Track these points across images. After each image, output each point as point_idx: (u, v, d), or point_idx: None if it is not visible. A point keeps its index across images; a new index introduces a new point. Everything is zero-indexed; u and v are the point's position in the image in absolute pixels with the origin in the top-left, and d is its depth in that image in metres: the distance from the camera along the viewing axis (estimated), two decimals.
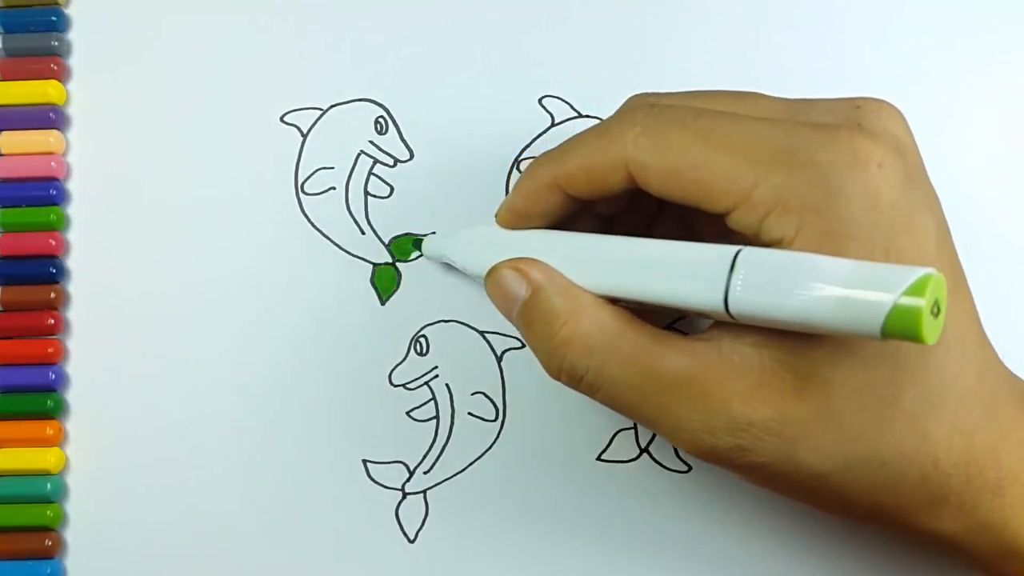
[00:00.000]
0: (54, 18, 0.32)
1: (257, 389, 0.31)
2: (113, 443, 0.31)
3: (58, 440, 0.31)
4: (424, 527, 0.30)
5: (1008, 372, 0.25)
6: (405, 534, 0.30)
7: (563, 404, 0.30)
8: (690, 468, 0.30)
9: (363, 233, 0.31)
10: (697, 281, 0.22)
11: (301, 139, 0.32)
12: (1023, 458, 0.23)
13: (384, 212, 0.31)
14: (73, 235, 0.32)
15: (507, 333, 0.31)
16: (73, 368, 0.31)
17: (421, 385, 0.31)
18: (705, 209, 0.23)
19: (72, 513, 0.31)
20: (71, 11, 0.33)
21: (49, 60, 0.32)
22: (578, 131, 0.25)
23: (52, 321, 0.31)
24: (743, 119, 0.23)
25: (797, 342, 0.22)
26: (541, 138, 0.31)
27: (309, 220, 0.31)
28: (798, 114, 0.24)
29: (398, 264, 0.31)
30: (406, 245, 0.31)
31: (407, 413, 0.31)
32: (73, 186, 0.32)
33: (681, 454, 0.30)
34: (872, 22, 0.31)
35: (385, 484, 0.31)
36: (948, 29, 0.31)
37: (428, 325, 0.31)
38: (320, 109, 0.32)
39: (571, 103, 0.31)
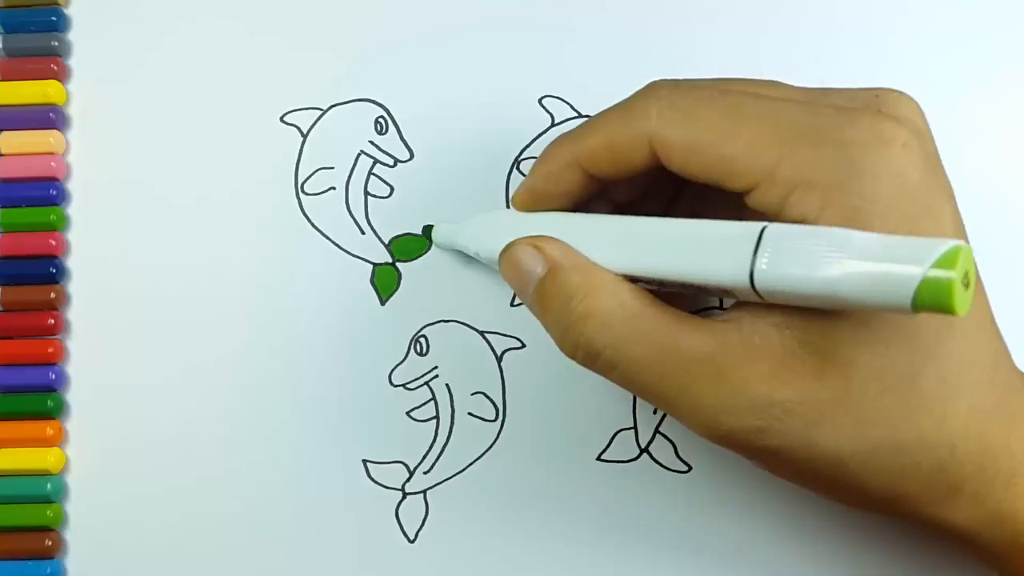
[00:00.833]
0: (54, 18, 0.32)
1: (257, 389, 0.31)
2: (113, 443, 0.31)
3: (58, 440, 0.31)
4: (424, 527, 0.30)
5: (1015, 365, 0.25)
6: (405, 534, 0.30)
7: (563, 404, 0.31)
8: (690, 468, 0.30)
9: (363, 233, 0.31)
10: (721, 256, 0.22)
11: (301, 139, 0.32)
12: None
13: (384, 212, 0.31)
14: (73, 235, 0.32)
15: (507, 333, 0.31)
16: (73, 368, 0.31)
17: (421, 385, 0.31)
18: (727, 187, 0.23)
19: (72, 513, 0.31)
20: (71, 11, 0.33)
21: (49, 60, 0.32)
22: None
23: (52, 321, 0.31)
24: (768, 99, 0.23)
25: (819, 323, 0.22)
26: (541, 138, 0.31)
27: (309, 220, 0.31)
28: (820, 98, 0.24)
29: (398, 264, 0.31)
30: (407, 245, 0.31)
31: (407, 413, 0.31)
32: (73, 186, 0.32)
33: (681, 454, 0.30)
34: (881, 18, 0.31)
35: (385, 484, 0.31)
36: (958, 26, 0.31)
37: (428, 325, 0.31)
38: (320, 109, 0.32)
39: (571, 103, 0.31)
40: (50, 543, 0.30)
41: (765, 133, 0.22)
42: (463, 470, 0.31)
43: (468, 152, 0.31)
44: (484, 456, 0.31)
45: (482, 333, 0.31)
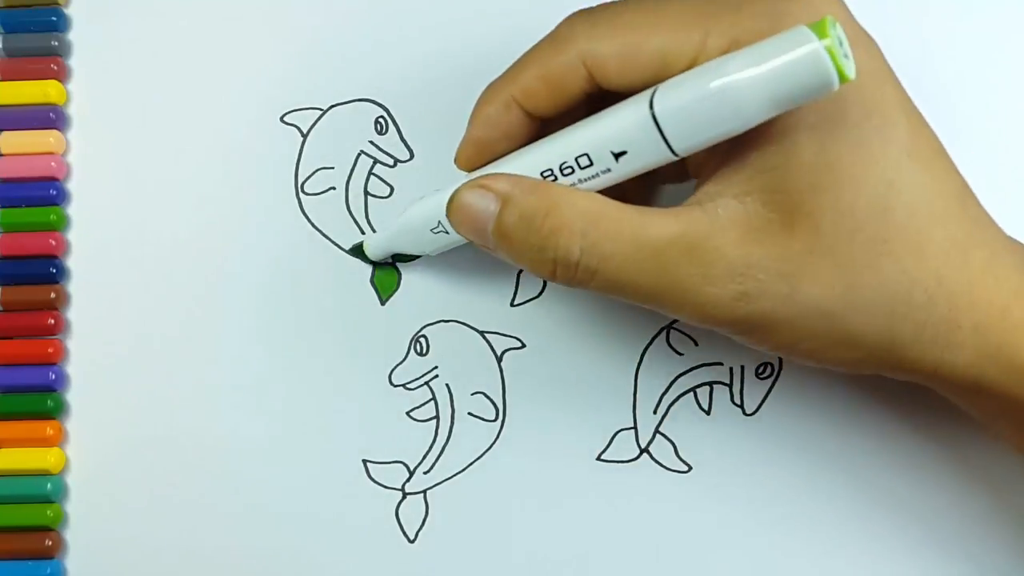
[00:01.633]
0: (54, 18, 0.32)
1: (257, 389, 0.31)
2: (113, 443, 0.31)
3: (58, 440, 0.31)
4: (424, 527, 0.30)
5: (981, 204, 0.25)
6: (405, 534, 0.30)
7: (563, 404, 0.31)
8: (690, 468, 0.30)
9: (363, 233, 0.31)
10: (623, 109, 0.23)
11: (301, 139, 0.32)
12: (1021, 275, 0.24)
13: (384, 212, 0.31)
14: (73, 235, 0.32)
15: (507, 333, 0.31)
16: (73, 368, 0.31)
17: (421, 385, 0.31)
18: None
19: (72, 513, 0.31)
20: (71, 11, 0.33)
21: (49, 60, 0.32)
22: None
23: (52, 321, 0.31)
24: None
25: (776, 182, 0.23)
26: None
27: (309, 220, 0.31)
28: None
29: (398, 264, 0.31)
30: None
31: (407, 413, 0.31)
32: (73, 186, 0.32)
33: (681, 454, 0.30)
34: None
35: (385, 484, 0.31)
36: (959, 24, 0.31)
37: (428, 325, 0.31)
38: (320, 109, 0.32)
39: None
40: (50, 543, 0.30)
41: (688, 13, 0.23)
42: (463, 470, 0.31)
43: None
44: (484, 456, 0.31)
45: (482, 333, 0.31)
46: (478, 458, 0.31)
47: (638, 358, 0.31)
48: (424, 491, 0.31)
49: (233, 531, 0.31)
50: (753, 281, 0.23)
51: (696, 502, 0.30)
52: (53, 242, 0.31)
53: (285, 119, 0.32)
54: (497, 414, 0.31)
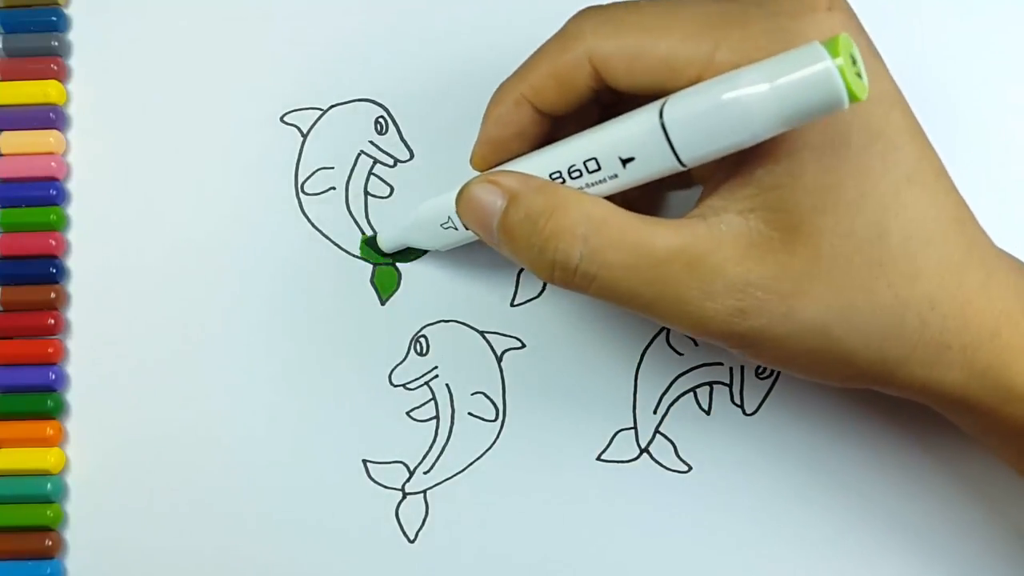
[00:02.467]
0: (54, 18, 0.32)
1: (257, 389, 0.31)
2: (113, 443, 0.31)
3: (58, 440, 0.31)
4: (424, 527, 0.30)
5: (979, 224, 0.25)
6: (405, 534, 0.30)
7: (563, 404, 0.31)
8: (690, 468, 0.30)
9: (363, 233, 0.31)
10: (633, 118, 0.23)
11: (301, 139, 0.32)
12: (1013, 296, 0.24)
13: (384, 212, 0.31)
14: (73, 235, 0.32)
15: (507, 333, 0.31)
16: (73, 368, 0.31)
17: (421, 385, 0.31)
18: (672, 89, 0.23)
19: (72, 513, 0.31)
20: (71, 11, 0.33)
21: (49, 60, 0.32)
22: None
23: (52, 321, 0.31)
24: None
25: (779, 201, 0.23)
26: None
27: (309, 220, 0.31)
28: None
29: (398, 264, 0.31)
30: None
31: (407, 413, 0.31)
32: (73, 186, 0.32)
33: (681, 454, 0.30)
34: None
35: (385, 484, 0.31)
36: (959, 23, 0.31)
37: (428, 325, 0.31)
38: (320, 109, 0.32)
39: None
40: (50, 543, 0.30)
41: (697, 23, 0.23)
42: (463, 470, 0.31)
43: (468, 152, 0.31)
44: (484, 456, 0.31)
45: (482, 333, 0.31)
46: (478, 458, 0.31)
47: (638, 358, 0.31)
48: (424, 491, 0.31)
49: (233, 531, 0.31)
50: (751, 299, 0.23)
51: (696, 502, 0.30)
52: (53, 242, 0.31)
53: (285, 119, 0.32)
54: (497, 414, 0.31)
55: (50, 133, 0.32)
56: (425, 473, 0.31)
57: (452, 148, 0.31)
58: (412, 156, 0.32)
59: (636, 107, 0.23)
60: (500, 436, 0.31)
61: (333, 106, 0.32)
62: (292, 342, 0.31)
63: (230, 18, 0.32)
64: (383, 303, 0.31)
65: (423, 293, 0.31)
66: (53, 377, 0.31)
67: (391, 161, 0.32)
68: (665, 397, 0.31)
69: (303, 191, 0.32)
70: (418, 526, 0.30)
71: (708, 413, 0.30)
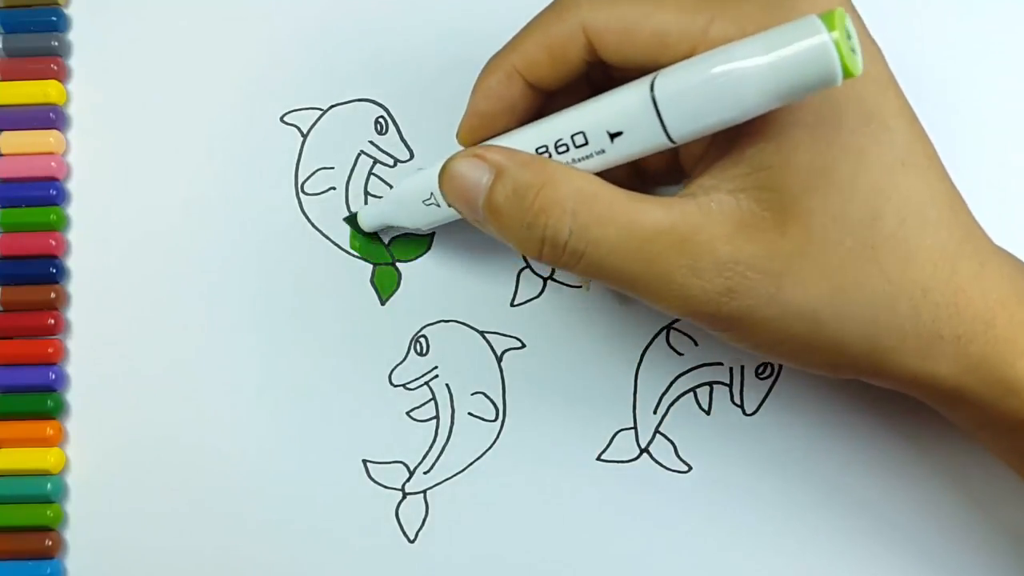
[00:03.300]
0: (54, 18, 0.32)
1: (257, 389, 0.31)
2: (113, 443, 0.31)
3: (58, 440, 0.31)
4: (424, 527, 0.30)
5: (972, 213, 0.25)
6: (405, 534, 0.30)
7: (563, 404, 0.31)
8: (690, 468, 0.30)
9: (363, 233, 0.31)
10: (624, 91, 0.22)
11: (301, 139, 0.32)
12: (1008, 287, 0.24)
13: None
14: (73, 235, 0.32)
15: (507, 333, 0.31)
16: (73, 368, 0.31)
17: (421, 385, 0.31)
18: (664, 63, 0.23)
19: (72, 513, 0.31)
20: (71, 11, 0.33)
21: (49, 60, 0.32)
22: None
23: (52, 321, 0.31)
24: None
25: (771, 180, 0.22)
26: None
27: (309, 220, 0.31)
28: None
29: (398, 264, 0.31)
30: (407, 245, 0.31)
31: (407, 413, 0.31)
32: (73, 186, 0.32)
33: (681, 454, 0.30)
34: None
35: (385, 484, 0.31)
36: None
37: (428, 325, 0.31)
38: (320, 109, 0.32)
39: None
40: (50, 543, 0.30)
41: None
42: (463, 470, 0.31)
43: None
44: (484, 456, 0.31)
45: (482, 333, 0.31)
46: (478, 458, 0.31)
47: (638, 358, 0.31)
48: (424, 491, 0.31)
49: (233, 531, 0.31)
50: (740, 277, 0.23)
51: (696, 502, 0.30)
52: (53, 242, 0.31)
53: (285, 119, 0.32)
54: (497, 414, 0.31)
55: (50, 133, 0.32)
56: (425, 473, 0.31)
57: (452, 148, 0.31)
58: (412, 156, 0.32)
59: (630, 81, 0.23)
60: (500, 436, 0.31)
61: (333, 106, 0.32)
62: (292, 342, 0.31)
63: (230, 18, 0.32)
64: (383, 303, 0.31)
65: (423, 293, 0.31)
66: (53, 377, 0.31)
67: (391, 161, 0.32)
68: (665, 397, 0.31)
69: (303, 191, 0.32)
70: (418, 526, 0.30)
71: (708, 413, 0.30)
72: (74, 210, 0.32)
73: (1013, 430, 0.25)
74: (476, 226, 0.26)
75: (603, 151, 0.23)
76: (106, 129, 0.32)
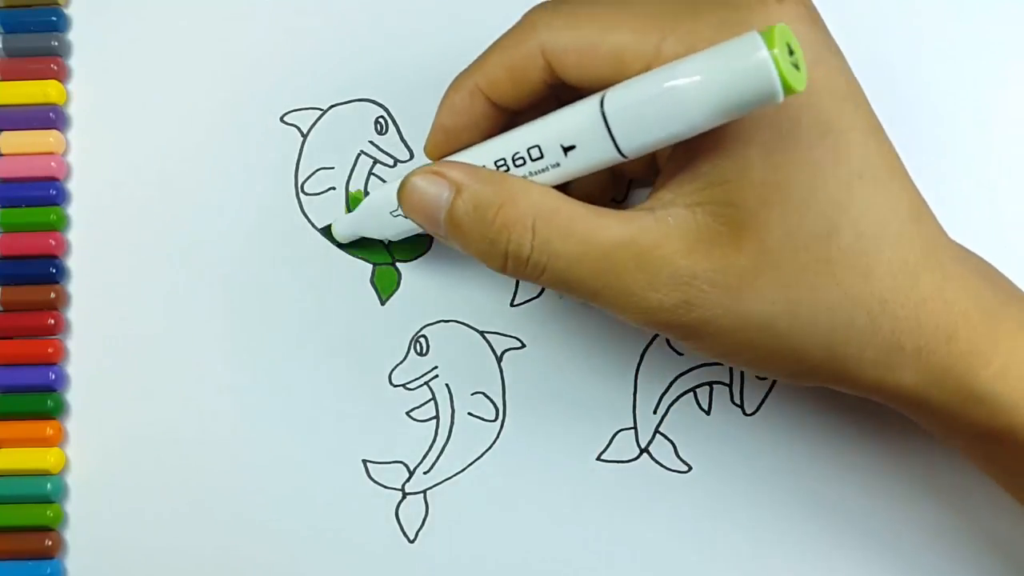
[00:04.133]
0: (54, 18, 0.32)
1: (257, 389, 0.31)
2: (113, 443, 0.31)
3: (58, 440, 0.31)
4: (424, 527, 0.30)
5: (938, 223, 0.25)
6: (405, 534, 0.30)
7: (563, 404, 0.31)
8: (690, 468, 0.30)
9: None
10: (575, 108, 0.23)
11: (301, 139, 0.32)
12: (971, 299, 0.24)
13: None
14: (73, 235, 0.32)
15: (507, 333, 0.31)
16: (73, 368, 0.31)
17: (421, 385, 0.31)
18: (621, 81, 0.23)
19: (72, 513, 0.31)
20: (71, 11, 0.33)
21: (49, 60, 0.32)
22: None
23: (52, 321, 0.31)
24: None
25: (727, 195, 0.23)
26: None
27: (309, 220, 0.31)
28: None
29: (398, 264, 0.31)
30: (407, 245, 0.31)
31: (407, 413, 0.31)
32: (73, 186, 0.32)
33: (681, 454, 0.30)
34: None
35: (385, 484, 0.31)
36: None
37: (428, 325, 0.31)
38: (320, 109, 0.32)
39: None
40: (50, 543, 0.30)
41: (647, 16, 0.23)
42: (463, 470, 0.31)
43: None
44: (484, 456, 0.31)
45: (482, 333, 0.31)
46: (478, 458, 0.31)
47: (638, 358, 0.31)
48: (424, 491, 0.31)
49: (233, 531, 0.31)
50: (696, 291, 0.23)
51: (696, 502, 0.30)
52: (53, 242, 0.31)
53: (285, 119, 0.32)
54: (497, 414, 0.31)
55: (50, 133, 0.32)
56: (425, 473, 0.31)
57: None
58: (412, 156, 0.32)
59: None
60: (500, 436, 0.31)
61: (333, 106, 0.32)
62: (292, 342, 0.31)
63: (230, 18, 0.32)
64: (383, 303, 0.31)
65: (423, 293, 0.31)
66: (53, 377, 0.31)
67: (391, 161, 0.32)
68: (665, 397, 0.31)
69: (303, 191, 0.32)
70: (418, 526, 0.30)
71: (708, 413, 0.30)
72: (74, 210, 0.32)
73: (981, 437, 0.25)
74: (438, 239, 0.26)
75: (558, 164, 0.24)
76: (106, 129, 0.32)
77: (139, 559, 0.31)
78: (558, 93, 0.25)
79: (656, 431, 0.30)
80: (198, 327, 0.31)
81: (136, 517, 0.31)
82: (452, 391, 0.31)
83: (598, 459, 0.30)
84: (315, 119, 0.32)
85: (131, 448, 0.31)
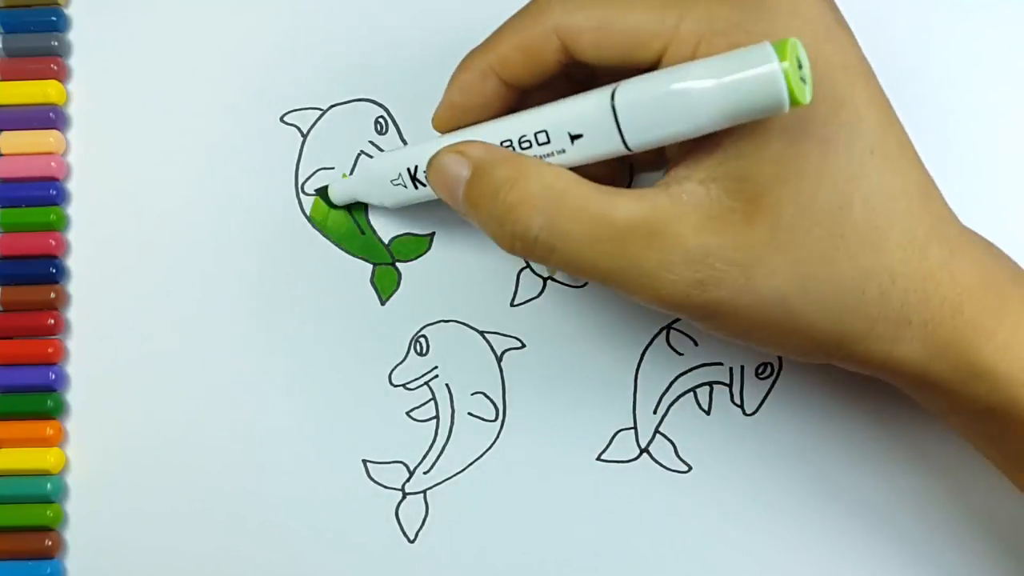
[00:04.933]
0: (54, 18, 0.32)
1: (257, 389, 0.31)
2: (113, 443, 0.31)
3: (58, 440, 0.31)
4: (424, 527, 0.30)
5: (947, 204, 0.25)
6: (405, 534, 0.30)
7: (563, 404, 0.31)
8: (690, 468, 0.30)
9: (363, 233, 0.31)
10: (586, 97, 0.23)
11: (301, 139, 0.32)
12: (977, 274, 0.24)
13: (384, 212, 0.31)
14: (73, 235, 0.32)
15: (507, 333, 0.31)
16: (73, 368, 0.31)
17: (421, 385, 0.31)
18: (638, 61, 0.23)
19: (72, 513, 0.31)
20: (71, 11, 0.33)
21: (49, 60, 0.32)
22: None
23: (52, 321, 0.31)
24: None
25: (741, 171, 0.23)
26: None
27: (309, 220, 0.31)
28: None
29: (398, 264, 0.31)
30: (407, 245, 0.31)
31: (407, 413, 0.31)
32: (73, 186, 0.32)
33: (681, 454, 0.30)
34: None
35: (385, 484, 0.31)
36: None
37: (428, 325, 0.31)
38: (320, 109, 0.32)
39: None
40: (50, 543, 0.30)
41: None
42: (463, 470, 0.31)
43: None
44: (484, 456, 0.31)
45: (482, 333, 0.31)
46: (478, 458, 0.31)
47: (638, 358, 0.31)
48: (424, 491, 0.31)
49: (233, 531, 0.31)
50: (710, 270, 0.23)
51: (696, 502, 0.30)
52: (53, 242, 0.31)
53: (285, 119, 0.32)
54: (497, 414, 0.31)
55: (50, 133, 0.32)
56: (425, 473, 0.31)
57: None
58: None
59: (608, 83, 0.23)
60: (500, 436, 0.31)
61: (333, 106, 0.32)
62: (292, 342, 0.31)
63: (230, 18, 0.32)
64: (383, 303, 0.31)
65: (423, 293, 0.31)
66: (53, 377, 0.31)
67: None
68: (665, 397, 0.31)
69: (303, 191, 0.32)
70: (418, 526, 0.30)
71: (708, 413, 0.30)
72: (74, 210, 0.32)
73: (980, 414, 0.25)
74: (462, 216, 0.26)
75: (563, 151, 0.24)
76: (106, 129, 0.32)
77: (139, 559, 0.31)
78: (570, 72, 0.25)
79: (656, 431, 0.30)
80: (198, 327, 0.31)
81: (136, 517, 0.31)
82: (452, 391, 0.31)
83: (598, 459, 0.30)
84: (315, 119, 0.32)
85: (131, 448, 0.31)
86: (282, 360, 0.31)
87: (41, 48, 0.32)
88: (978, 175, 0.30)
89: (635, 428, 0.30)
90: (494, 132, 0.25)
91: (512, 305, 0.31)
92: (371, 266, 0.31)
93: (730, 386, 0.31)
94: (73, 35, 0.33)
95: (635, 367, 0.31)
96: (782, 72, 0.20)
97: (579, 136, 0.23)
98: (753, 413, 0.30)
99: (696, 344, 0.31)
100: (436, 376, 0.31)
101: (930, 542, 0.30)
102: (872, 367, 0.25)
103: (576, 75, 0.26)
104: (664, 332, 0.31)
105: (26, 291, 0.31)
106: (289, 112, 0.32)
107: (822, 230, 0.23)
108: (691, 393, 0.31)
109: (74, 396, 0.31)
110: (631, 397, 0.31)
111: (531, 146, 0.24)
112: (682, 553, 0.30)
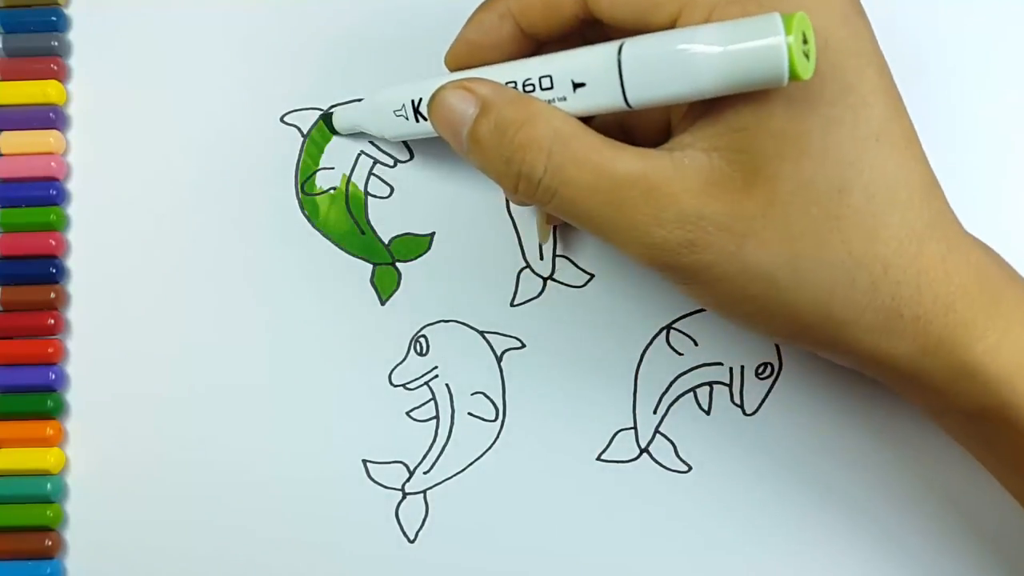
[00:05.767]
0: (54, 18, 0.32)
1: (257, 389, 0.31)
2: (113, 443, 0.31)
3: (58, 440, 0.31)
4: (424, 527, 0.30)
5: (947, 200, 0.25)
6: (405, 534, 0.30)
7: (563, 404, 0.31)
8: (690, 468, 0.30)
9: (363, 233, 0.31)
10: (592, 49, 0.24)
11: (301, 139, 0.32)
12: (972, 273, 0.24)
13: (384, 212, 0.31)
14: (73, 235, 0.32)
15: (507, 333, 0.31)
16: (73, 368, 0.31)
17: (421, 385, 0.31)
18: (654, 21, 0.23)
19: (72, 513, 0.31)
20: (71, 11, 0.33)
21: (49, 60, 0.32)
22: None
23: (52, 321, 0.31)
24: None
25: (745, 143, 0.23)
26: None
27: (309, 220, 0.31)
28: None
29: (398, 264, 0.31)
30: (407, 245, 0.31)
31: (407, 413, 0.31)
32: (73, 186, 0.32)
33: (681, 454, 0.30)
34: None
35: (385, 484, 0.31)
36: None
37: (428, 325, 0.31)
38: (320, 109, 0.32)
39: None
40: (50, 543, 0.30)
41: None
42: (463, 470, 0.31)
43: None
44: (484, 456, 0.31)
45: (482, 333, 0.31)
46: (478, 458, 0.31)
47: (638, 358, 0.31)
48: (424, 491, 0.31)
49: (232, 531, 0.31)
50: (702, 232, 0.23)
51: (696, 502, 0.30)
52: (53, 242, 0.31)
53: (285, 119, 0.32)
54: (497, 414, 0.31)
55: (50, 133, 0.32)
56: (425, 473, 0.31)
57: (452, 148, 0.31)
58: (412, 156, 0.32)
59: None
60: (500, 436, 0.31)
61: (333, 106, 0.32)
62: (292, 342, 0.31)
63: (230, 18, 0.32)
64: (383, 303, 0.31)
65: (423, 293, 0.31)
66: (53, 377, 0.31)
67: (391, 161, 0.32)
68: (665, 397, 0.31)
69: (303, 191, 0.32)
70: (418, 526, 0.30)
71: (708, 413, 0.30)
72: (74, 210, 0.32)
73: (970, 416, 0.25)
74: (460, 155, 0.26)
75: (564, 98, 0.24)
76: (106, 129, 0.32)
77: (139, 559, 0.31)
78: (585, 32, 0.26)
79: (656, 431, 0.30)
80: (198, 327, 0.31)
81: (136, 517, 0.31)
82: (452, 391, 0.31)
83: (598, 459, 0.30)
84: (315, 119, 0.32)
85: (131, 448, 0.31)
86: (282, 360, 0.31)
87: (41, 48, 0.32)
88: (985, 177, 0.30)
89: (635, 428, 0.30)
90: (499, 73, 0.25)
91: (512, 305, 0.31)
92: (371, 266, 0.31)
93: (730, 386, 0.31)
94: (73, 35, 0.33)
95: (635, 367, 0.31)
96: (786, 44, 0.20)
97: (582, 85, 0.24)
98: (753, 413, 0.30)
99: (696, 344, 0.31)
100: (436, 376, 0.31)
101: (930, 541, 0.30)
102: (862, 360, 0.24)
103: (592, 37, 0.26)
104: (664, 332, 0.31)
105: (26, 291, 0.31)
106: (289, 112, 0.32)
107: (819, 210, 0.23)
108: (691, 393, 0.31)
109: (74, 396, 0.31)
110: (631, 397, 0.31)
111: (535, 89, 0.24)
112: (682, 553, 0.30)
